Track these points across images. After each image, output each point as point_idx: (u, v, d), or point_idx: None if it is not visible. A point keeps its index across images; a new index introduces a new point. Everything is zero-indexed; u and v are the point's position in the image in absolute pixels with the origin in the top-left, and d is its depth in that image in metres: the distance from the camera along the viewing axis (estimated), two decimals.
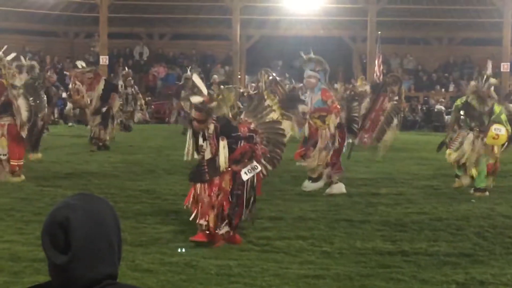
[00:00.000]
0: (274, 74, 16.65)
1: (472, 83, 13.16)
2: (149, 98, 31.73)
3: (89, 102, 18.37)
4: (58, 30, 35.05)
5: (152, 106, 31.05)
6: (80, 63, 19.08)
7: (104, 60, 30.04)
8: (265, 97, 13.17)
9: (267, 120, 9.42)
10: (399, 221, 10.26)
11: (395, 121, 16.80)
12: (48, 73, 16.51)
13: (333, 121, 12.52)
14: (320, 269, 7.76)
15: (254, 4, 31.16)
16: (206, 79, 30.08)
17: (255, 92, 24.18)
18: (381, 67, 28.04)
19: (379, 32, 27.91)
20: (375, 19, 29.53)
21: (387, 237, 9.25)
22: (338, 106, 12.65)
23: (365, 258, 8.22)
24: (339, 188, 12.57)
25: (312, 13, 30.64)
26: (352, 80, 32.37)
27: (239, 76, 31.42)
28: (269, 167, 9.31)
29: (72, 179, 13.62)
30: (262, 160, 8.90)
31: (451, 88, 32.44)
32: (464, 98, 13.00)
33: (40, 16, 33.10)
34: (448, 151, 12.87)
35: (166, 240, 8.92)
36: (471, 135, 12.55)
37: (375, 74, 27.80)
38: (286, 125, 14.47)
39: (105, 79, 19.74)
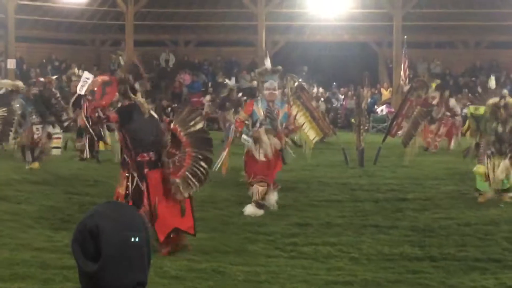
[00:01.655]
0: (299, 80, 16.62)
1: (492, 100, 12.53)
2: (176, 105, 31.83)
3: None
4: (84, 38, 35.27)
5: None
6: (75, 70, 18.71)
7: None
8: (291, 103, 13.19)
9: (195, 129, 8.82)
10: (427, 226, 10.21)
11: (422, 125, 16.73)
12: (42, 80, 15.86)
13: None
14: (348, 275, 7.74)
15: (279, 10, 31.17)
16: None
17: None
18: (407, 72, 27.97)
19: (405, 37, 27.84)
20: (400, 24, 29.40)
21: (415, 243, 9.20)
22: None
23: (393, 264, 8.19)
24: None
25: (337, 18, 30.58)
26: (378, 85, 32.31)
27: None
28: (195, 184, 8.60)
29: (99, 186, 13.67)
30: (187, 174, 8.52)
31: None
32: (480, 110, 12.53)
33: (67, 25, 33.34)
34: (477, 167, 12.39)
35: (194, 247, 8.93)
36: (506, 163, 12.11)
37: (401, 79, 27.75)
38: (311, 132, 14.47)
39: None
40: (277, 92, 11.54)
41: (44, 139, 15.79)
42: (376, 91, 31.84)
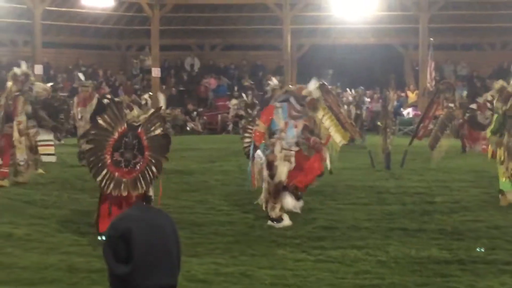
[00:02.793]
0: (325, 83, 16.57)
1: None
2: (201, 109, 31.92)
3: (79, 117, 18.01)
4: (110, 44, 35.47)
5: (204, 117, 31.22)
6: (81, 75, 18.71)
7: (156, 72, 30.32)
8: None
9: (155, 134, 9.08)
10: (455, 229, 10.14)
11: (449, 128, 16.64)
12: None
13: None
14: (375, 278, 7.70)
15: (304, 14, 31.15)
16: (258, 89, 30.21)
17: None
18: (433, 74, 27.85)
19: (431, 39, 27.72)
20: (426, 26, 29.28)
21: (443, 246, 9.14)
22: None
23: (421, 267, 8.14)
24: None
25: (363, 21, 30.50)
26: (406, 89, 32.17)
27: (291, 86, 31.38)
28: (142, 186, 8.99)
29: None
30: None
31: None
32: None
33: (93, 30, 33.54)
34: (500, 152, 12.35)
35: (221, 250, 8.95)
36: None
37: (427, 82, 27.63)
38: (337, 135, 14.42)
39: (98, 98, 18.47)
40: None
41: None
42: (403, 94, 31.72)
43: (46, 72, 29.83)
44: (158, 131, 9.04)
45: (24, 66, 15.20)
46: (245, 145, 13.15)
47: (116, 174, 8.85)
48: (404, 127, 27.96)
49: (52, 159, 16.06)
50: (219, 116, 30.87)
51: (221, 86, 33.49)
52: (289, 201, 10.88)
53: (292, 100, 10.62)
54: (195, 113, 30.86)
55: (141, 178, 8.91)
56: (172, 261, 2.34)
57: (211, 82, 33.64)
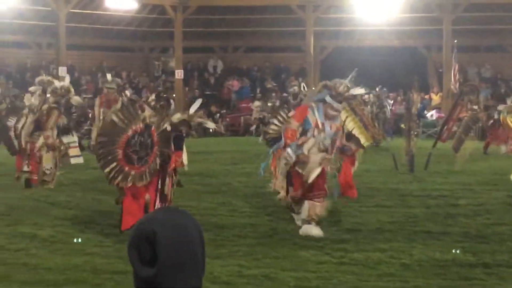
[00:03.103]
0: (348, 85, 16.51)
1: None
2: (224, 111, 31.95)
3: (102, 118, 17.73)
4: (134, 46, 35.60)
5: (227, 119, 31.25)
6: (108, 75, 18.57)
7: (179, 74, 30.40)
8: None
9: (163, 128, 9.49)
10: (480, 232, 10.07)
11: (473, 130, 16.55)
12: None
13: None
14: (399, 281, 7.67)
15: (327, 16, 31.11)
16: (281, 91, 30.18)
17: None
18: (457, 76, 27.69)
19: (455, 41, 27.57)
20: (450, 28, 29.15)
21: (467, 249, 9.08)
22: None
23: (445, 271, 8.10)
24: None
25: (386, 23, 30.39)
26: (430, 91, 32.01)
27: (314, 88, 31.33)
28: (147, 178, 9.39)
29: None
30: None
31: None
32: None
33: (116, 32, 33.68)
34: None
35: (244, 253, 8.95)
36: None
37: (451, 84, 27.48)
38: (361, 137, 14.38)
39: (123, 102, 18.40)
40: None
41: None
42: (426, 96, 31.58)
43: (70, 74, 29.94)
44: (166, 125, 9.33)
45: (67, 80, 15.43)
46: (270, 131, 12.86)
47: (126, 168, 9.04)
48: (428, 130, 27.82)
49: (80, 160, 16.18)
50: (242, 118, 30.87)
51: (244, 88, 33.50)
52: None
53: (328, 98, 10.21)
54: (218, 115, 30.89)
55: (147, 171, 9.23)
56: (197, 263, 2.34)
57: (234, 84, 33.66)
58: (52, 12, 27.54)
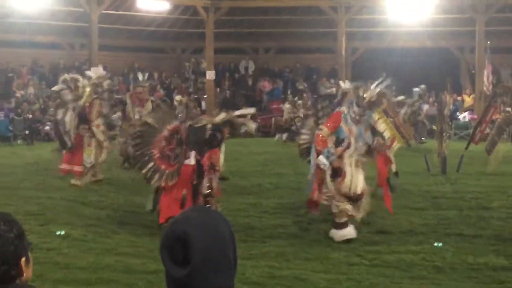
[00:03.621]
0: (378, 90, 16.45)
1: None
2: (255, 112, 31.93)
3: (137, 118, 17.79)
4: (165, 47, 35.74)
5: (258, 120, 31.24)
6: (140, 75, 18.62)
7: (210, 75, 30.46)
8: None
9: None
10: None
11: (506, 132, 16.38)
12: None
13: None
14: (432, 284, 7.63)
15: (359, 17, 30.99)
16: (312, 92, 30.15)
17: None
18: (490, 78, 27.44)
19: (488, 42, 27.32)
20: (483, 29, 28.90)
21: (500, 252, 9.00)
22: None
23: (478, 274, 8.04)
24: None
25: (418, 24, 30.22)
26: (463, 93, 31.77)
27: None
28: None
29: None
30: None
31: None
32: None
33: (148, 33, 33.83)
34: None
35: (275, 254, 8.94)
36: None
37: (484, 85, 27.25)
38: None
39: (152, 101, 18.04)
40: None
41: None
42: (459, 98, 31.35)
43: None
44: (205, 124, 9.47)
45: (100, 69, 15.68)
46: (302, 142, 12.77)
47: (162, 167, 9.15)
48: (460, 131, 27.62)
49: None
50: (273, 119, 30.85)
51: (275, 89, 33.49)
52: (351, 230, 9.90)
53: (349, 103, 10.20)
54: (249, 116, 30.89)
55: (175, 169, 9.44)
56: (229, 263, 2.35)
57: (265, 85, 33.66)
58: (85, 13, 27.72)
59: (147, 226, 10.61)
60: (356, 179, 9.65)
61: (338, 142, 9.89)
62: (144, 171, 9.36)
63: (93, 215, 11.49)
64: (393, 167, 11.62)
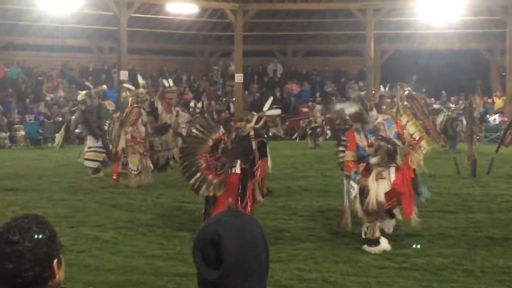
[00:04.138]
0: (409, 89, 16.34)
1: None
2: (284, 115, 31.92)
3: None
4: (194, 49, 35.88)
5: (287, 123, 31.22)
6: (166, 81, 18.65)
7: (239, 78, 30.50)
8: (401, 112, 12.94)
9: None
10: None
11: None
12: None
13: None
14: (462, 287, 7.56)
15: (388, 19, 30.89)
16: (341, 95, 30.08)
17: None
18: None
19: None
20: None
21: None
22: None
23: (509, 277, 7.96)
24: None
25: (448, 26, 30.08)
26: (493, 95, 31.52)
27: (373, 92, 31.18)
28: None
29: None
30: None
31: None
32: None
33: (177, 36, 33.98)
34: None
35: (304, 256, 8.92)
36: None
37: None
38: (423, 140, 14.20)
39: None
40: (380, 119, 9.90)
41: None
42: (489, 100, 31.12)
43: (132, 78, 30.35)
44: (245, 134, 9.44)
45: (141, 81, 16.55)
46: (340, 160, 12.58)
47: (210, 176, 9.17)
48: (490, 134, 27.42)
49: (94, 164, 16.62)
50: (301, 121, 30.82)
51: (303, 92, 33.48)
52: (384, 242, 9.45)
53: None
54: (277, 118, 30.87)
55: (223, 179, 9.41)
56: (261, 267, 2.34)
57: (293, 87, 33.66)
58: (114, 17, 27.91)
59: (176, 229, 10.64)
60: (380, 192, 9.37)
61: (360, 159, 9.66)
62: (192, 181, 9.38)
63: (122, 218, 11.55)
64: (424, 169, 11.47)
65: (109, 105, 17.81)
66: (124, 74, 27.32)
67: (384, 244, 9.39)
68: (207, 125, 9.42)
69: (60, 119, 26.65)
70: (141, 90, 15.98)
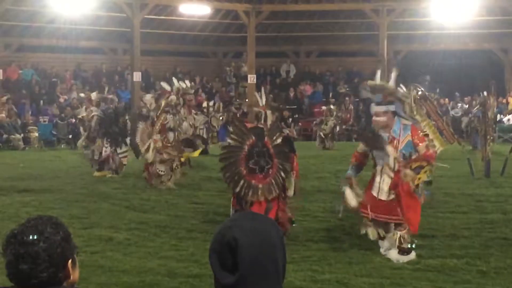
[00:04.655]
0: (423, 89, 16.28)
1: None
2: (297, 115, 31.93)
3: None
4: (207, 51, 35.90)
5: (300, 124, 31.23)
6: (185, 83, 18.61)
7: (252, 79, 30.48)
8: (415, 112, 12.87)
9: (277, 143, 9.48)
10: None
11: None
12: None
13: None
14: None
15: (401, 19, 30.79)
16: (354, 95, 30.03)
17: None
18: None
19: None
20: None
21: None
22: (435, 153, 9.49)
23: None
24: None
25: (461, 26, 29.97)
26: (507, 95, 31.39)
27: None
28: (275, 190, 9.28)
29: (224, 197, 13.75)
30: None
31: None
32: None
33: (190, 38, 34.02)
34: None
35: (317, 258, 8.92)
36: None
37: None
38: (436, 142, 14.16)
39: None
40: (382, 118, 9.24)
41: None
42: (504, 100, 30.99)
43: (145, 80, 30.43)
44: (279, 141, 9.45)
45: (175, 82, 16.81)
46: None
47: (253, 181, 9.16)
48: (504, 134, 27.32)
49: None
50: (314, 122, 30.82)
51: (316, 93, 33.45)
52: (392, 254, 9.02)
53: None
54: (290, 119, 30.89)
55: (273, 183, 9.29)
56: (278, 269, 2.33)
57: (307, 88, 33.64)
58: (127, 19, 27.94)
59: (190, 230, 10.67)
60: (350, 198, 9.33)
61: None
62: (237, 190, 9.36)
63: (136, 219, 11.58)
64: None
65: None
66: (137, 76, 27.35)
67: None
68: (240, 132, 9.42)
69: (73, 120, 26.72)
70: (173, 97, 16.14)
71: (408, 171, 8.69)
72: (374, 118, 9.37)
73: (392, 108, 9.28)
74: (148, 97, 16.85)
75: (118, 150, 16.91)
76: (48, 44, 30.69)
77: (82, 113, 18.32)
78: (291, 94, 33.31)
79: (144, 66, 30.19)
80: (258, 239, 2.29)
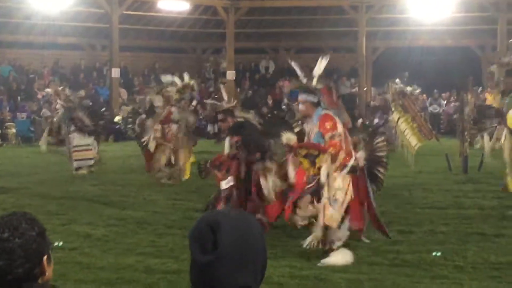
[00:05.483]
0: (401, 86, 16.32)
1: None
2: (275, 111, 31.92)
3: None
4: (186, 47, 35.82)
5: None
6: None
7: (231, 75, 30.49)
8: (393, 109, 12.95)
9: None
10: None
11: None
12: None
13: (326, 164, 8.68)
14: (453, 283, 7.59)
15: (380, 16, 30.91)
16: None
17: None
18: None
19: (510, 41, 27.15)
20: (505, 27, 28.69)
21: None
22: (339, 143, 8.86)
23: (500, 273, 7.98)
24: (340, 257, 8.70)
25: (439, 22, 30.10)
26: (484, 92, 31.56)
27: (365, 88, 31.23)
28: None
29: (202, 193, 13.73)
30: None
31: None
32: None
33: (169, 34, 33.96)
34: None
35: (296, 254, 8.93)
36: None
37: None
38: (413, 138, 14.23)
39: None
40: (302, 107, 9.50)
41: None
42: (482, 96, 31.15)
43: (124, 76, 30.32)
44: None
45: (186, 78, 16.00)
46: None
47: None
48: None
49: (89, 162, 16.55)
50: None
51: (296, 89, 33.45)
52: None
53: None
54: (269, 116, 30.87)
55: None
56: (256, 265, 2.31)
57: (285, 84, 33.62)
58: (106, 14, 27.86)
59: (169, 226, 10.65)
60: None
61: None
62: None
63: (114, 215, 11.55)
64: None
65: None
66: (116, 72, 27.27)
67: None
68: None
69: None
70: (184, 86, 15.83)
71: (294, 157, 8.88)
72: (299, 106, 9.64)
73: (310, 98, 9.43)
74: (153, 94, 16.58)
75: (82, 143, 16.61)
76: (26, 41, 30.50)
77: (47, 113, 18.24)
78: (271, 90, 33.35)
79: (123, 62, 30.09)
80: (239, 228, 2.29)
